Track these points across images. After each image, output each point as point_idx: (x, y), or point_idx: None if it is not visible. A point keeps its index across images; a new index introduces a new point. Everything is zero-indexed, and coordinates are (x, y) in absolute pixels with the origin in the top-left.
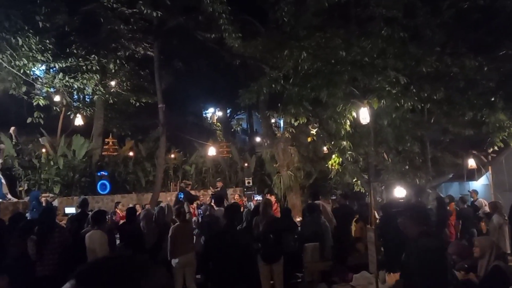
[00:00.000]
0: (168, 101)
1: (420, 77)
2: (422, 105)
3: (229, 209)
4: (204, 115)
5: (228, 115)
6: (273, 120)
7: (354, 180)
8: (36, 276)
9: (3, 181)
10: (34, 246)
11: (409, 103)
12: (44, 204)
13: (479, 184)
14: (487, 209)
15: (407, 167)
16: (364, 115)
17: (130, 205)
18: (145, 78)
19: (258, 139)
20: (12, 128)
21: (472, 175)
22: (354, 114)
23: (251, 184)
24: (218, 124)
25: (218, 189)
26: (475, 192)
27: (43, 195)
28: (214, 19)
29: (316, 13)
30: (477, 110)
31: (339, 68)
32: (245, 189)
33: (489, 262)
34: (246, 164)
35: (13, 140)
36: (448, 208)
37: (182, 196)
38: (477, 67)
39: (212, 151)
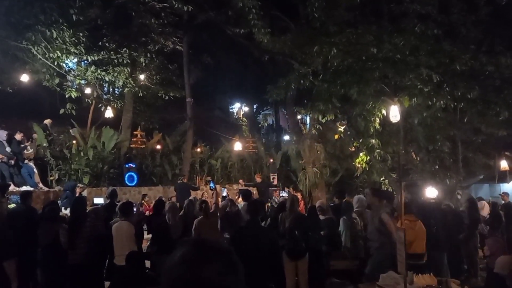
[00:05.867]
0: (195, 95)
1: (453, 75)
2: (455, 104)
3: (253, 204)
4: (230, 110)
5: (254, 110)
6: (299, 117)
7: (381, 179)
8: (68, 264)
9: (35, 170)
10: (66, 234)
11: (441, 102)
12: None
13: (511, 186)
14: None
15: (437, 167)
16: (394, 113)
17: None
18: (174, 72)
19: (284, 135)
20: (48, 120)
21: (504, 177)
22: (384, 111)
23: (276, 180)
24: (244, 119)
25: (259, 182)
26: (506, 194)
27: None
28: (243, 14)
29: (348, 8)
30: None
31: (370, 65)
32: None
33: None
34: (271, 160)
35: (47, 131)
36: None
37: (213, 185)
38: None
39: (238, 146)
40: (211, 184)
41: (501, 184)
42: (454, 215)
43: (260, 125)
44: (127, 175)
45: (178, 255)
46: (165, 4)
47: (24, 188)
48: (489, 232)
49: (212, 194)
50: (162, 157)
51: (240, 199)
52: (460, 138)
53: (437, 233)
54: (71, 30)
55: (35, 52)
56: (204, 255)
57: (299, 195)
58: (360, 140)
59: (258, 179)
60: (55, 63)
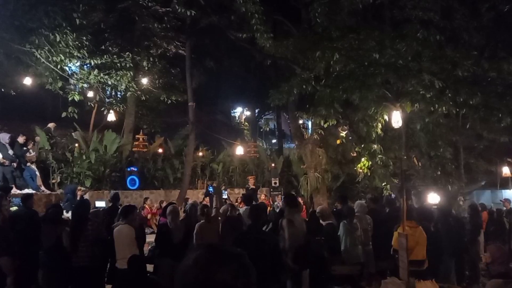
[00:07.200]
0: (198, 99)
1: (456, 81)
2: (457, 110)
3: (255, 209)
4: (232, 114)
5: (256, 115)
6: (301, 121)
7: (383, 185)
8: (70, 266)
9: (37, 173)
10: (69, 238)
11: (443, 108)
12: (78, 198)
13: None
14: None
15: (439, 172)
16: (396, 118)
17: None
18: (176, 76)
19: (286, 139)
20: (52, 123)
21: (506, 183)
22: (385, 117)
23: (277, 184)
24: (246, 123)
25: (249, 186)
26: (507, 201)
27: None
28: (246, 19)
29: (350, 13)
30: None
31: (373, 71)
32: (271, 190)
33: None
34: (273, 165)
35: (49, 134)
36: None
37: (212, 189)
38: None
39: (239, 150)
40: (210, 188)
41: (502, 190)
42: (457, 221)
43: (262, 130)
44: (129, 178)
45: (192, 259)
46: (168, 9)
47: (26, 191)
48: (488, 237)
49: (213, 197)
50: (164, 160)
51: (242, 203)
52: (462, 144)
53: (444, 239)
54: (74, 34)
55: (38, 56)
56: (217, 259)
57: (300, 200)
58: (362, 145)
59: (251, 183)
60: (58, 66)
